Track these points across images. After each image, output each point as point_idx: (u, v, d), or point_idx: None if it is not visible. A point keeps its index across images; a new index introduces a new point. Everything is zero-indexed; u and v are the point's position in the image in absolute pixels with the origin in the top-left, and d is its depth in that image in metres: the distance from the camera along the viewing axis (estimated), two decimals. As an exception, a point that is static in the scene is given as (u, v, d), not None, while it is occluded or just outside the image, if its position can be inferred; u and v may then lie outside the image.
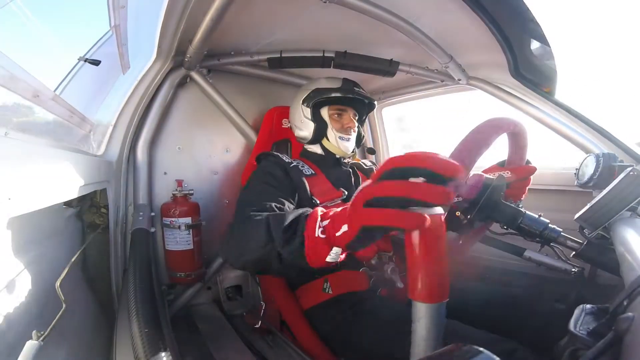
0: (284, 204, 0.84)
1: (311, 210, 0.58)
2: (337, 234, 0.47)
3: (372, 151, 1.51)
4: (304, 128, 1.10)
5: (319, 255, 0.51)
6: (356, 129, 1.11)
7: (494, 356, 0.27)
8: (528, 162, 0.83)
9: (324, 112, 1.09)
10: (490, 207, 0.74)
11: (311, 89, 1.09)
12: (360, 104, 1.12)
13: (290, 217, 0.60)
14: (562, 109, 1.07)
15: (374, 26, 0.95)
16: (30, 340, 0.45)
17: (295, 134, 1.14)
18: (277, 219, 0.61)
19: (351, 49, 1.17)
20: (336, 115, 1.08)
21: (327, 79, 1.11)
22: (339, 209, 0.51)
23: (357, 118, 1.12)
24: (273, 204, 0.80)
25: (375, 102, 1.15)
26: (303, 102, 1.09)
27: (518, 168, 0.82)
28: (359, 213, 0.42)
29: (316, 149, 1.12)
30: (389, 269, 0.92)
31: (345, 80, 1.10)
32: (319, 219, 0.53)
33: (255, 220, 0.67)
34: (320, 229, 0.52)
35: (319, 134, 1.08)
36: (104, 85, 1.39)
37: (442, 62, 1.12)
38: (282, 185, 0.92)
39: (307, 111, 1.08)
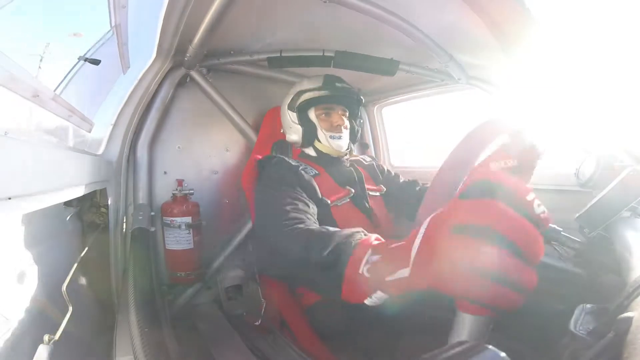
0: (308, 205, 0.83)
1: (364, 235, 0.49)
2: (389, 278, 0.37)
3: (365, 146, 1.49)
4: (293, 133, 1.08)
5: (357, 296, 0.43)
6: (347, 126, 1.08)
7: (500, 352, 0.25)
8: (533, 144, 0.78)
9: (311, 114, 1.05)
10: None
11: (294, 92, 1.07)
12: (347, 100, 1.08)
13: (334, 242, 0.51)
14: (562, 109, 1.06)
15: (374, 26, 0.95)
16: (42, 344, 0.45)
17: (287, 139, 1.12)
18: (319, 240, 0.54)
19: (351, 49, 1.17)
20: (324, 115, 1.05)
21: (309, 79, 1.08)
22: (399, 243, 0.39)
23: (347, 114, 1.08)
24: (299, 205, 0.79)
25: (362, 97, 1.11)
26: (288, 107, 1.07)
27: (523, 152, 0.76)
28: (437, 250, 0.30)
29: (310, 151, 1.09)
30: None
31: (327, 76, 1.06)
32: (369, 252, 0.43)
33: (294, 237, 0.63)
34: (367, 266, 0.42)
35: (309, 136, 1.05)
36: (104, 84, 1.39)
37: (442, 61, 1.12)
38: (296, 186, 0.90)
39: (293, 115, 1.06)
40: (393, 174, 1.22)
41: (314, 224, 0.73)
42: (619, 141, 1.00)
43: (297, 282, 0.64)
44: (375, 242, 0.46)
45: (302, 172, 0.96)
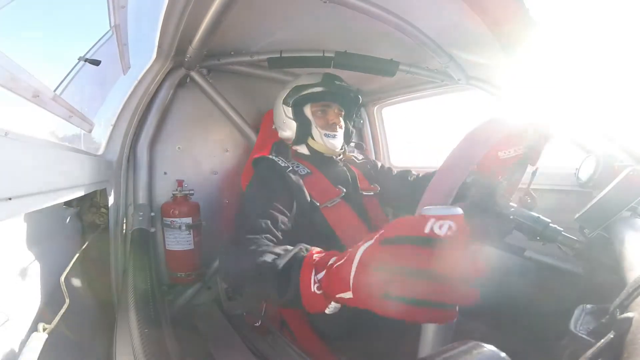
0: (277, 218, 0.82)
1: (305, 253, 0.55)
2: (339, 295, 0.43)
3: (360, 146, 1.48)
4: (287, 128, 1.05)
5: (318, 308, 0.50)
6: (342, 125, 1.06)
7: (500, 352, 0.26)
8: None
9: (307, 110, 1.03)
10: (485, 210, 0.74)
11: (291, 87, 1.05)
12: (345, 99, 1.06)
13: (282, 263, 0.57)
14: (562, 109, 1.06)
15: (374, 26, 0.95)
16: (35, 332, 0.45)
17: (280, 136, 1.10)
18: (270, 268, 0.59)
19: (351, 49, 1.17)
20: (320, 112, 1.03)
21: (307, 74, 1.06)
22: (337, 262, 0.45)
23: (343, 113, 1.07)
24: (267, 221, 0.79)
25: (360, 96, 1.10)
26: (284, 102, 1.05)
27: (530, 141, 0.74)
28: (368, 283, 0.36)
29: (302, 149, 1.07)
30: None
31: (326, 74, 1.05)
32: (313, 272, 0.50)
33: (250, 258, 0.65)
34: (316, 285, 0.48)
35: (303, 133, 1.03)
36: (105, 85, 1.39)
37: (442, 61, 1.12)
38: (277, 194, 0.89)
39: (289, 110, 1.03)
40: (386, 168, 1.21)
41: (273, 244, 0.73)
42: (619, 141, 1.00)
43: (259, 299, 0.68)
44: (317, 257, 0.52)
45: (290, 174, 0.94)
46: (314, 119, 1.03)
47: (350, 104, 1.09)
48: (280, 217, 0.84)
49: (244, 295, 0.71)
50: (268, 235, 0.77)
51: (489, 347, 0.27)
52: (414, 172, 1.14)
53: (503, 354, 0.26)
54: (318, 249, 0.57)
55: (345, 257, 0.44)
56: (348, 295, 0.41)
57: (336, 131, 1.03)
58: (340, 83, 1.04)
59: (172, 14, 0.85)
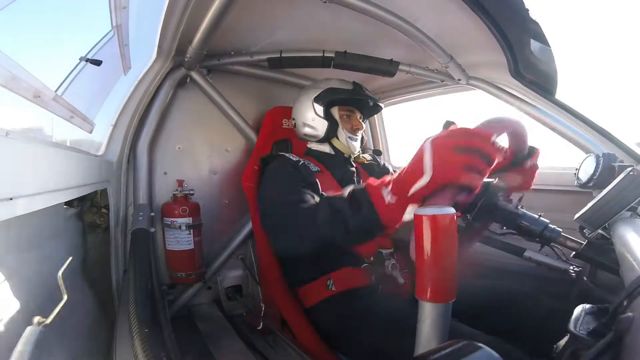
0: (313, 196, 0.86)
1: (361, 185, 0.60)
2: (414, 188, 0.48)
3: (378, 153, 1.48)
4: (316, 126, 1.11)
5: (396, 217, 0.52)
6: (362, 130, 1.14)
7: (493, 352, 0.27)
8: (532, 148, 0.76)
9: (335, 112, 1.11)
10: (487, 210, 0.74)
11: (323, 87, 1.11)
12: (365, 107, 1.15)
13: (346, 192, 0.63)
14: (562, 109, 1.07)
15: (374, 26, 0.95)
16: (30, 326, 0.45)
17: (303, 132, 1.14)
18: (335, 196, 0.65)
19: (351, 49, 1.18)
20: (346, 117, 1.11)
21: (339, 80, 1.15)
22: (400, 173, 0.52)
23: (362, 119, 1.15)
24: (307, 193, 0.84)
25: (382, 105, 1.19)
26: (316, 100, 1.10)
27: (521, 170, 0.75)
28: (447, 160, 0.45)
29: (325, 147, 1.14)
30: (389, 265, 0.93)
31: (355, 83, 1.14)
32: (382, 188, 0.54)
33: (309, 206, 0.73)
34: (389, 196, 0.52)
35: (331, 132, 1.10)
36: (106, 85, 1.39)
37: (442, 62, 1.12)
38: (297, 179, 0.93)
39: (320, 109, 1.09)
40: (392, 171, 1.23)
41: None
42: (619, 141, 1.00)
43: (322, 244, 0.69)
44: (376, 184, 0.57)
45: (303, 168, 0.99)
46: (341, 121, 1.11)
47: (367, 113, 1.19)
48: (315, 195, 0.87)
49: (306, 245, 0.74)
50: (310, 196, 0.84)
51: (483, 347, 0.27)
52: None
53: (497, 355, 0.27)
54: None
55: (409, 164, 0.50)
56: (424, 180, 0.47)
57: (357, 135, 1.13)
58: (368, 93, 1.14)
59: (172, 14, 0.85)
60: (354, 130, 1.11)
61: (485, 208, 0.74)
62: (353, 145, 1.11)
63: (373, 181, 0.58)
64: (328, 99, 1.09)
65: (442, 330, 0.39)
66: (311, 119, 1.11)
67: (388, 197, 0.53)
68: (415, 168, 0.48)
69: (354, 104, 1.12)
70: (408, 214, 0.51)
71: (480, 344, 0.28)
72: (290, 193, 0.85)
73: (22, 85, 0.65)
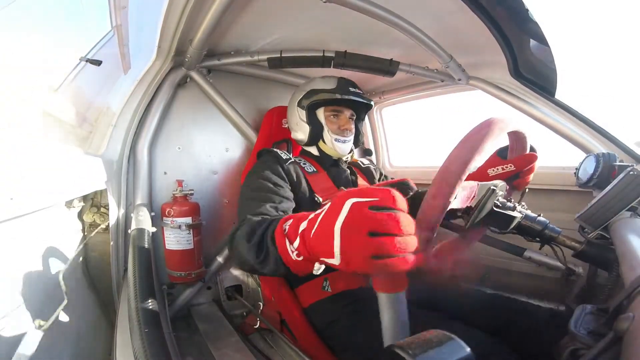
0: (276, 208, 0.83)
1: (276, 224, 0.57)
2: (324, 260, 0.43)
3: (369, 152, 1.48)
4: (300, 130, 1.08)
5: (303, 272, 0.52)
6: (353, 130, 1.08)
7: (463, 343, 0.29)
8: (532, 148, 0.77)
9: (320, 114, 1.06)
10: (485, 214, 0.74)
11: (306, 90, 1.08)
12: (357, 103, 1.08)
13: (255, 239, 0.61)
14: (562, 109, 1.07)
15: (374, 26, 0.95)
16: (31, 330, 0.45)
17: (292, 136, 1.13)
18: (251, 242, 0.61)
19: (351, 49, 1.17)
20: (332, 117, 1.06)
21: (322, 78, 1.09)
22: (308, 229, 0.46)
23: (354, 117, 1.10)
24: (268, 205, 0.81)
25: (372, 102, 1.12)
26: (298, 104, 1.08)
27: (519, 158, 0.76)
28: (356, 247, 0.38)
29: (313, 150, 1.10)
30: None
31: (340, 79, 1.07)
32: (287, 243, 0.51)
33: (252, 222, 0.68)
34: (295, 253, 0.50)
35: (315, 136, 1.06)
36: (106, 85, 1.39)
37: (442, 62, 1.12)
38: (277, 185, 0.91)
39: (303, 113, 1.06)
40: (389, 179, 1.22)
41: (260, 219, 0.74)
42: (618, 141, 1.00)
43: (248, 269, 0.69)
44: (286, 227, 0.53)
45: (290, 165, 0.97)
46: (326, 122, 1.06)
47: (362, 109, 1.12)
48: (284, 203, 0.86)
49: (246, 270, 0.75)
50: (266, 214, 0.79)
51: (454, 338, 0.29)
52: (412, 184, 1.11)
53: (468, 349, 0.28)
54: (289, 215, 0.57)
55: (316, 224, 0.44)
56: (336, 262, 0.41)
57: (347, 136, 1.06)
58: (354, 89, 1.06)
59: (172, 13, 0.85)
60: (341, 131, 1.05)
61: (485, 209, 0.74)
62: (340, 147, 1.05)
63: (280, 227, 0.55)
64: (308, 102, 1.04)
65: (402, 318, 0.41)
66: (295, 123, 1.09)
67: (294, 255, 0.50)
68: (324, 240, 0.42)
69: (339, 103, 1.05)
70: (317, 269, 0.49)
71: (451, 335, 0.29)
72: (251, 199, 0.84)
73: (22, 85, 0.65)
